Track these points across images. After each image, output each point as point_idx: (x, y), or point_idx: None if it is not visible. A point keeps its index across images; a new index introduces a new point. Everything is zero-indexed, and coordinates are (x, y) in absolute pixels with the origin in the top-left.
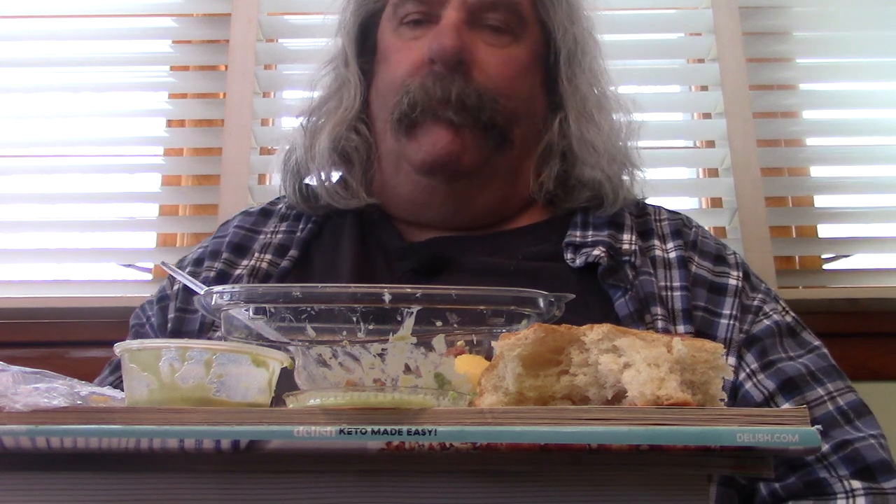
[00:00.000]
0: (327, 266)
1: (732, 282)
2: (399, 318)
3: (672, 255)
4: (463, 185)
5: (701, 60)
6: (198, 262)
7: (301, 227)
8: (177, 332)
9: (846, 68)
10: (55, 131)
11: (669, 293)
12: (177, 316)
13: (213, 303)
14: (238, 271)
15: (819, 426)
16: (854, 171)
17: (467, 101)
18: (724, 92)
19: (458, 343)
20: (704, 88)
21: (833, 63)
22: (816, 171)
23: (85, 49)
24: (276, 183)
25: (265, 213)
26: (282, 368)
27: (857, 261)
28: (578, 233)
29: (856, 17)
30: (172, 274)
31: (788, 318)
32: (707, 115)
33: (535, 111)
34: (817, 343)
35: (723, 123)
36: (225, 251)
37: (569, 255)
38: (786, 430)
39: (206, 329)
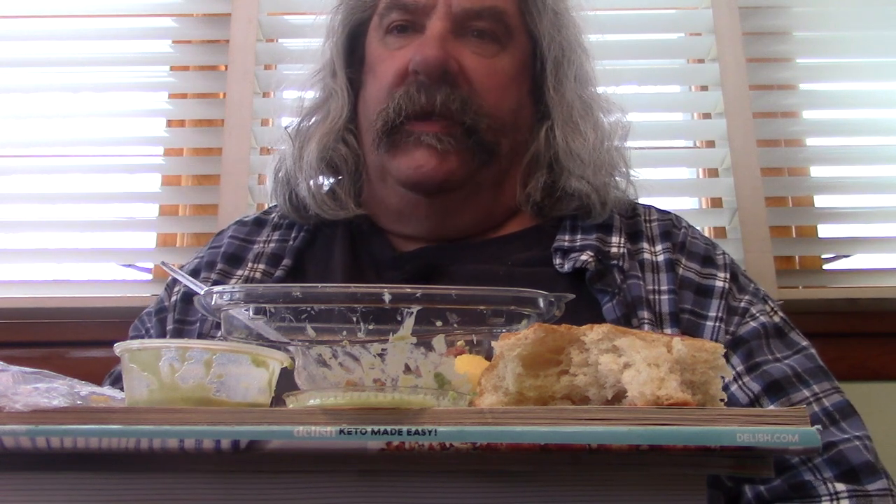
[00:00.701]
0: (320, 275)
1: (719, 283)
2: (399, 318)
3: (660, 258)
4: (447, 199)
5: (701, 60)
6: (194, 273)
7: (294, 235)
8: None
9: (846, 68)
10: (55, 131)
11: (657, 297)
12: (175, 328)
13: (213, 303)
14: (233, 281)
15: (818, 426)
16: (854, 171)
17: (451, 106)
18: (724, 92)
19: (458, 343)
20: (704, 88)
21: (833, 63)
22: (816, 171)
23: (85, 49)
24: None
25: (259, 222)
26: (282, 368)
27: (857, 261)
28: (567, 237)
29: (856, 17)
30: (172, 274)
31: (776, 319)
32: (707, 115)
33: (521, 121)
34: (805, 343)
35: (723, 123)
36: (220, 262)
37: (557, 260)
38: (786, 430)
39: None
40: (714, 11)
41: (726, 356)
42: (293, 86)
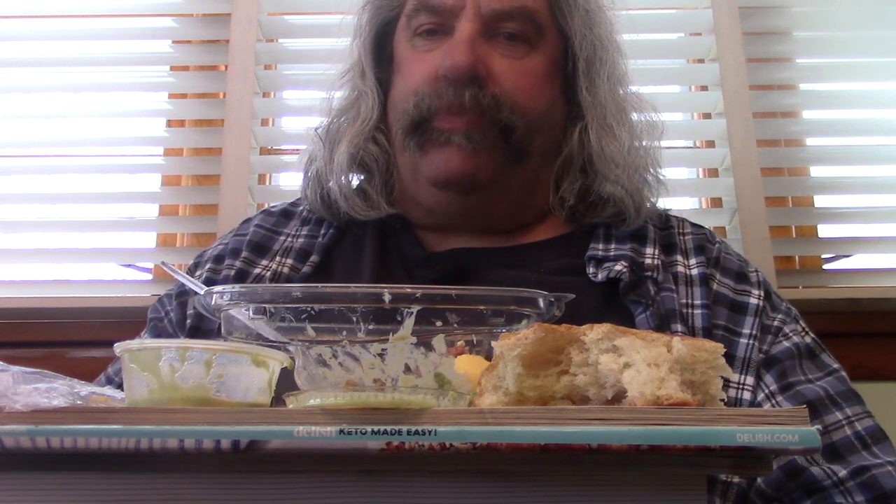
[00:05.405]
0: (348, 273)
1: (753, 301)
2: (399, 318)
3: (694, 271)
4: (479, 197)
5: (701, 60)
6: (218, 258)
7: (323, 231)
8: (196, 329)
9: (846, 68)
10: (55, 131)
11: (690, 310)
12: (196, 312)
13: (212, 303)
14: (257, 270)
15: (819, 427)
16: (854, 171)
17: (483, 102)
18: (724, 92)
19: (458, 343)
20: (704, 88)
21: (833, 63)
22: (816, 171)
23: (85, 49)
24: (276, 183)
25: (286, 213)
26: (282, 368)
27: (857, 261)
28: (601, 246)
29: (856, 17)
30: (172, 274)
31: (808, 340)
32: (707, 115)
33: (553, 122)
34: (836, 366)
35: (723, 123)
36: (245, 249)
37: (591, 269)
38: (785, 430)
39: None
40: (714, 11)
41: (759, 374)
42: (296, 84)
